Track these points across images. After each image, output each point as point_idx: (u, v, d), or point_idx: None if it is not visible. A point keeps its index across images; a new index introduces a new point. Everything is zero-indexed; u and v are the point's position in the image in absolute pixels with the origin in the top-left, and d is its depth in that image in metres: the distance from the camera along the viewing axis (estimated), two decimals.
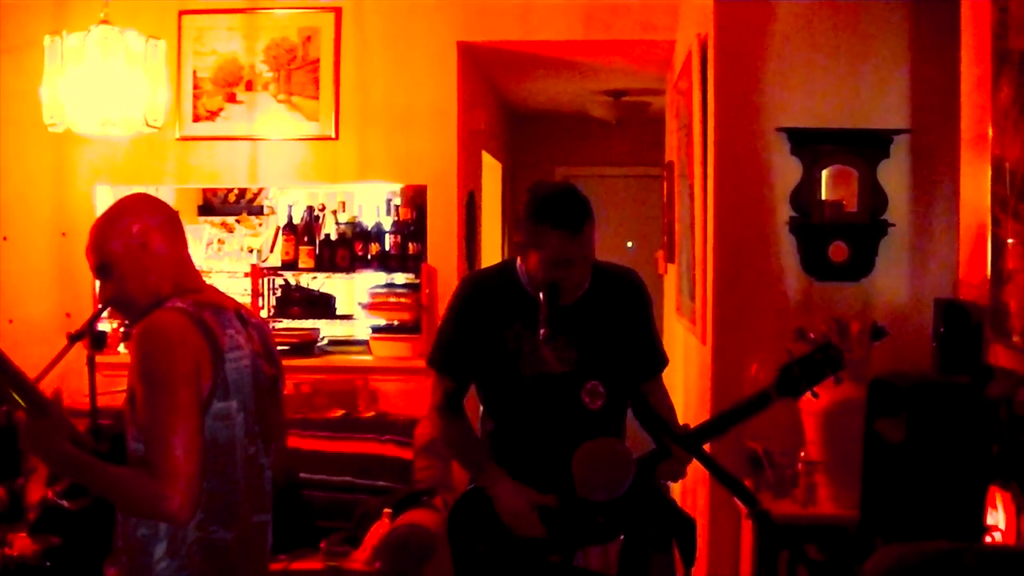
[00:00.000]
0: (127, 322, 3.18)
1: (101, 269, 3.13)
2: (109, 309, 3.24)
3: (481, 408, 3.97)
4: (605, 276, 3.88)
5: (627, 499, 3.46)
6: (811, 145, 5.04)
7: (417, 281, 7.13)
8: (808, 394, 3.39)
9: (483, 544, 3.73)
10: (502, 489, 3.71)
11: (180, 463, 2.83)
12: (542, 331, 3.56)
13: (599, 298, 3.83)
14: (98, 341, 3.29)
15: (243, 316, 3.21)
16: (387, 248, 7.29)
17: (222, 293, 3.30)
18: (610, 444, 3.54)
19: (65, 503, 3.13)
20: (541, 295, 3.62)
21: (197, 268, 3.27)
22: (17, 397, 2.94)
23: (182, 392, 2.89)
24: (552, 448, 3.63)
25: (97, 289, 3.20)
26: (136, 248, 3.09)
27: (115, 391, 3.11)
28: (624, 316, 3.87)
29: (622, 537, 3.62)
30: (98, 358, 3.32)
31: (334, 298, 7.63)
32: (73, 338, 3.21)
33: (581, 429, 3.61)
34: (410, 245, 7.21)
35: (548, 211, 3.63)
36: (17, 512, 4.79)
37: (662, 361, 4.00)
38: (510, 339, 3.76)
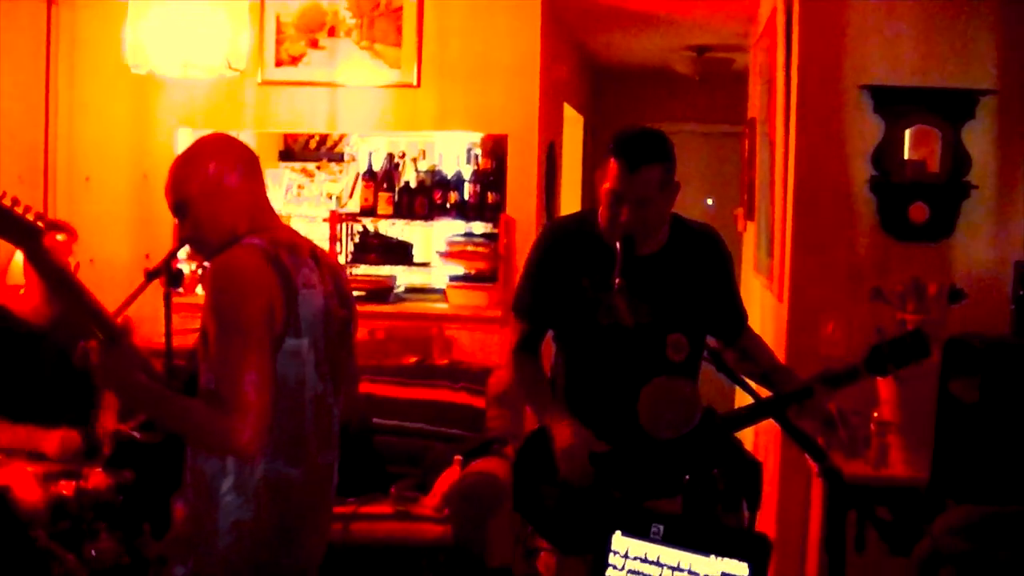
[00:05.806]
0: (205, 263, 3.20)
1: (178, 208, 3.16)
2: (187, 248, 3.27)
3: (555, 355, 4.00)
4: (685, 231, 3.88)
5: (692, 440, 3.45)
6: (894, 104, 4.96)
7: (495, 231, 7.13)
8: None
9: (547, 483, 3.74)
10: (561, 428, 3.73)
11: (251, 398, 2.85)
12: (616, 281, 3.55)
13: (678, 253, 3.82)
14: (175, 279, 3.29)
15: (317, 256, 3.22)
16: (466, 197, 7.28)
17: (298, 233, 3.32)
18: (679, 383, 3.53)
19: (137, 435, 3.17)
20: (618, 245, 3.61)
21: (275, 211, 3.28)
22: (94, 327, 2.99)
23: (255, 328, 2.91)
24: (623, 399, 3.62)
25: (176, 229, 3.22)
26: (212, 187, 3.11)
27: (190, 330, 3.13)
28: (704, 272, 3.87)
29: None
30: (175, 299, 3.34)
31: (411, 245, 7.64)
32: (150, 275, 3.23)
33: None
34: (489, 195, 7.20)
35: (616, 141, 3.69)
36: (94, 449, 4.84)
37: (745, 315, 4.03)
38: (588, 287, 3.77)
